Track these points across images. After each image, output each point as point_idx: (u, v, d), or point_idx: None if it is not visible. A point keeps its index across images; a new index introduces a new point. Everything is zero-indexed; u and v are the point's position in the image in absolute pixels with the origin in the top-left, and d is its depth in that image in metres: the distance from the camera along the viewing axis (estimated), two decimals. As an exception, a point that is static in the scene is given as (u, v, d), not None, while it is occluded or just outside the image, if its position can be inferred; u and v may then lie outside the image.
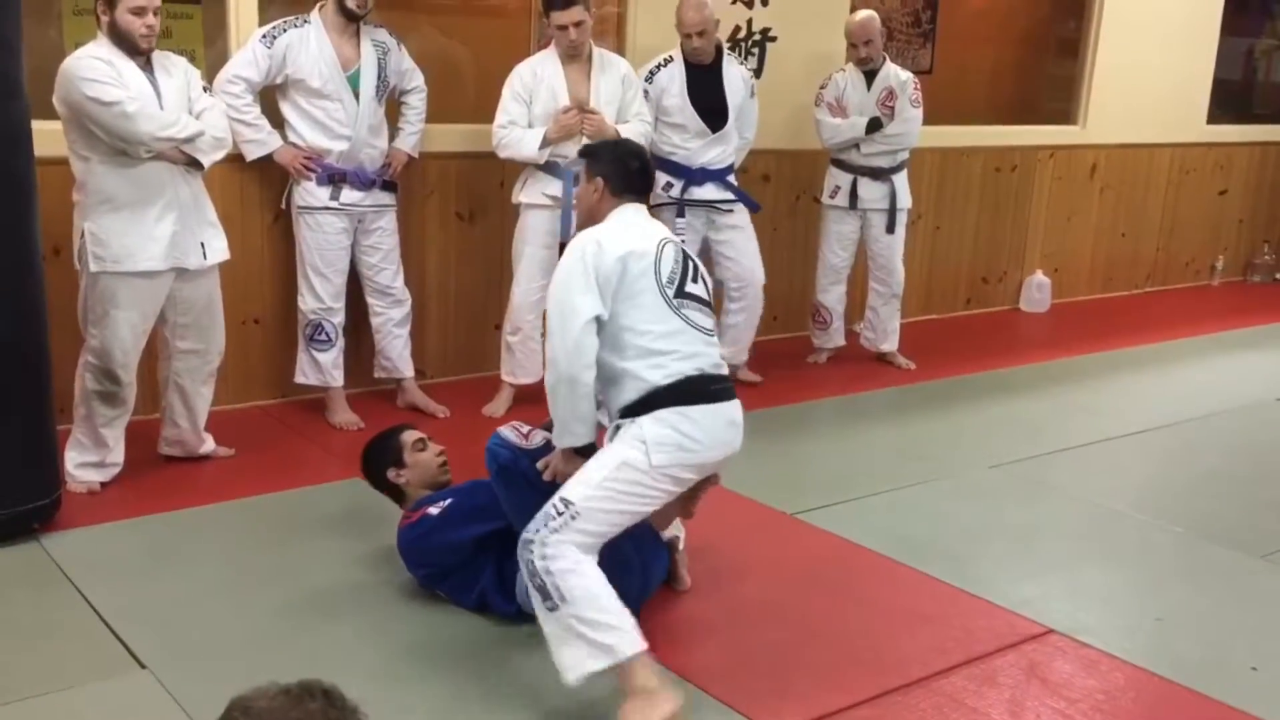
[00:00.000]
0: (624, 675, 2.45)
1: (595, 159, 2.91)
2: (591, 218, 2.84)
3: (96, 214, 3.59)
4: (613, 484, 2.54)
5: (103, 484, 3.76)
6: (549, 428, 2.85)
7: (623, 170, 2.86)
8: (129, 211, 3.60)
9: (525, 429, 2.92)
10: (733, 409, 2.71)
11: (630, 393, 2.63)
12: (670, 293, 2.66)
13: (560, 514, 2.50)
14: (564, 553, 2.48)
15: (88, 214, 3.60)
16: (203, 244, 3.80)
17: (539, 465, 2.79)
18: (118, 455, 3.81)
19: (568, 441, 2.70)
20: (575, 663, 2.44)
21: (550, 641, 2.49)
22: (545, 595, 2.47)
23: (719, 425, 2.65)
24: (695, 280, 2.77)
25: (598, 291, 2.61)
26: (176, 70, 3.71)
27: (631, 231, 2.74)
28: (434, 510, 3.05)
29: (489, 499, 2.97)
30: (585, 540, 2.52)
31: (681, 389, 2.60)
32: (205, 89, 3.83)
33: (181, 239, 3.71)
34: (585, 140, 4.47)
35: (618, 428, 2.64)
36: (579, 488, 2.54)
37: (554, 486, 2.65)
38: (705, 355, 2.68)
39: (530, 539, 2.51)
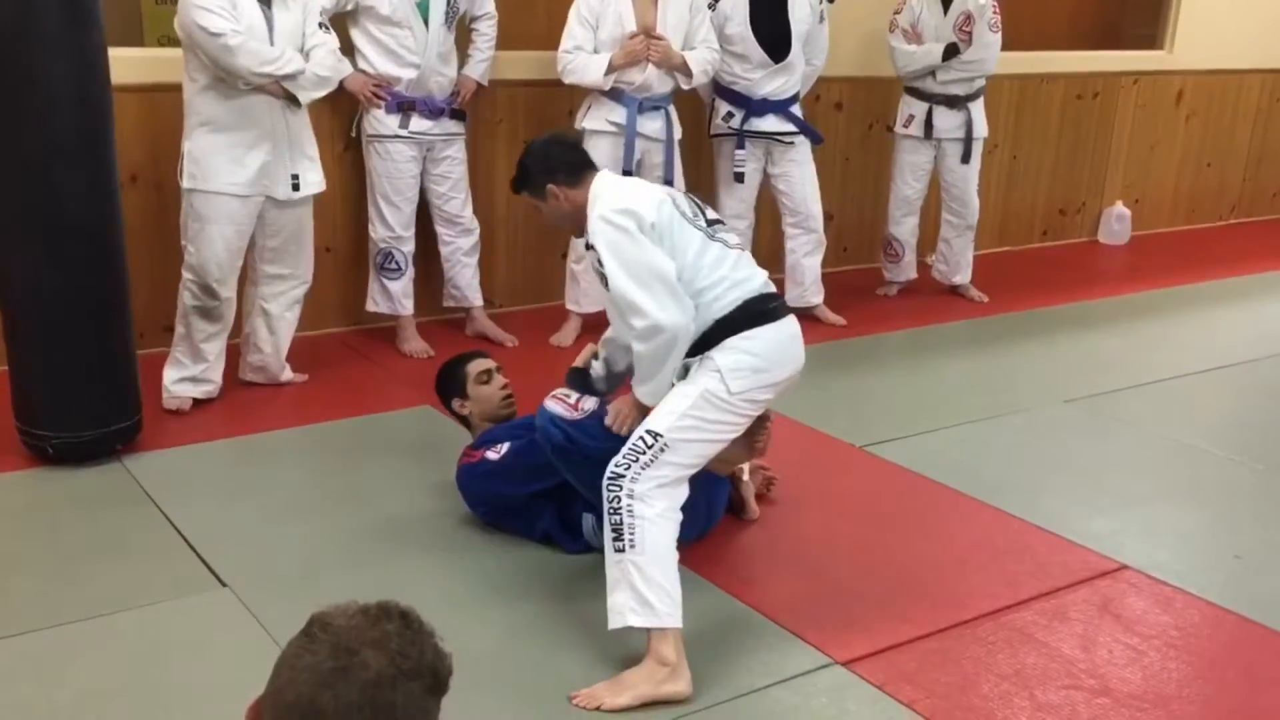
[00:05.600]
0: (653, 639, 2.44)
1: (528, 178, 2.77)
2: (578, 217, 2.71)
3: (196, 134, 3.73)
4: (696, 413, 2.51)
5: (196, 400, 3.88)
6: (598, 390, 2.88)
7: (555, 161, 2.74)
8: (225, 136, 3.71)
9: (573, 398, 2.86)
10: (792, 323, 2.69)
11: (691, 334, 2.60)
12: (701, 223, 2.63)
13: (650, 446, 2.48)
14: (654, 500, 2.46)
15: (189, 134, 3.74)
16: (296, 175, 3.86)
17: (607, 420, 2.72)
18: (215, 373, 3.92)
19: (650, 401, 2.63)
20: (620, 610, 2.45)
21: (608, 580, 2.49)
22: (618, 535, 2.46)
23: (784, 341, 2.63)
24: (705, 208, 2.72)
25: (659, 248, 2.55)
26: (295, 4, 3.76)
27: (635, 188, 2.70)
28: (492, 455, 3.04)
29: (546, 459, 2.90)
30: (675, 474, 2.50)
31: (741, 314, 2.57)
32: (321, 25, 3.85)
33: (272, 169, 3.79)
34: (651, 65, 4.42)
35: (686, 368, 2.62)
36: (664, 419, 2.51)
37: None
38: (753, 277, 2.65)
39: (620, 474, 2.48)
